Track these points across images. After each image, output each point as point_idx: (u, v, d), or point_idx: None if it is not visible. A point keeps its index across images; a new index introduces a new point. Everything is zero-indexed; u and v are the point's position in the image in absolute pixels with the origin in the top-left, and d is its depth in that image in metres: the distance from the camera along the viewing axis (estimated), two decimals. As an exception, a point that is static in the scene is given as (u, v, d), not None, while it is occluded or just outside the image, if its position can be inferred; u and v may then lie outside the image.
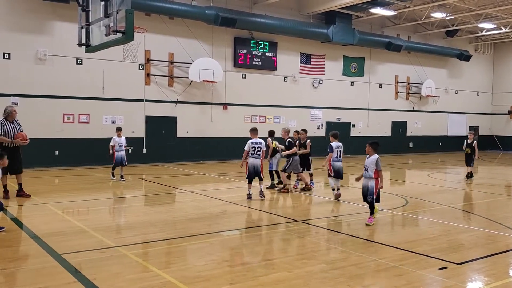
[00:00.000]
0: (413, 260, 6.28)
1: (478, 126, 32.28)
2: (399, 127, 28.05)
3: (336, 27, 22.85)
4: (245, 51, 21.55)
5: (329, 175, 11.13)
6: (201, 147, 20.76)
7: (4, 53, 16.39)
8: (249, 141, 11.04)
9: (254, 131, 11.21)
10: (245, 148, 11.03)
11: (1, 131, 10.22)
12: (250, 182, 11.04)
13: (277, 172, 12.97)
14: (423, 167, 20.50)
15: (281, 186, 12.53)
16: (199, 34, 20.24)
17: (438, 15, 24.32)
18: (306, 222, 8.73)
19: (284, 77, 23.13)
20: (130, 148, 17.90)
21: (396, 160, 23.36)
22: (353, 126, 25.93)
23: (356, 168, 16.83)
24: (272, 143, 12.67)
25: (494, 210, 10.56)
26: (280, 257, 6.44)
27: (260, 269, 5.84)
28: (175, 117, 20.12)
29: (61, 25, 17.19)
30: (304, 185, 12.58)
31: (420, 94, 28.35)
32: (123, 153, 14.00)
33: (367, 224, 8.36)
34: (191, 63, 19.68)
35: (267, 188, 12.24)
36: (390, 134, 27.53)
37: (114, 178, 14.08)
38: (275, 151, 12.74)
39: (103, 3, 8.42)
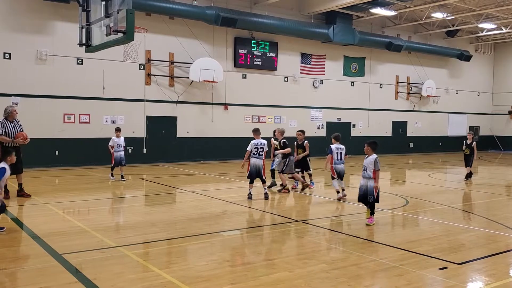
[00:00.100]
0: (413, 260, 6.28)
1: (479, 126, 32.26)
2: (399, 127, 28.03)
3: (336, 27, 22.84)
4: (245, 51, 21.54)
5: (333, 178, 11.13)
6: (202, 147, 20.76)
7: (4, 53, 16.39)
8: (252, 141, 11.06)
9: (256, 131, 11.23)
10: (247, 149, 11.04)
11: (2, 131, 10.23)
12: (251, 182, 11.06)
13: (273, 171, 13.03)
14: (424, 167, 20.49)
15: (280, 187, 12.54)
16: (200, 34, 20.24)
17: (438, 15, 24.31)
18: (307, 222, 8.74)
19: (285, 77, 23.12)
20: (130, 148, 17.92)
21: (397, 160, 23.36)
22: (354, 126, 25.90)
23: (356, 168, 16.81)
24: (276, 142, 12.72)
25: (495, 210, 10.55)
26: (281, 257, 6.44)
27: (261, 269, 5.85)
28: (176, 117, 20.12)
29: (62, 25, 17.19)
30: (302, 185, 12.60)
31: (420, 94, 28.33)
32: (122, 153, 14.02)
33: (367, 224, 8.36)
34: (191, 63, 19.67)
35: (268, 187, 12.23)
36: (390, 134, 27.51)
37: (114, 178, 14.11)
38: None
39: (103, 3, 8.43)
